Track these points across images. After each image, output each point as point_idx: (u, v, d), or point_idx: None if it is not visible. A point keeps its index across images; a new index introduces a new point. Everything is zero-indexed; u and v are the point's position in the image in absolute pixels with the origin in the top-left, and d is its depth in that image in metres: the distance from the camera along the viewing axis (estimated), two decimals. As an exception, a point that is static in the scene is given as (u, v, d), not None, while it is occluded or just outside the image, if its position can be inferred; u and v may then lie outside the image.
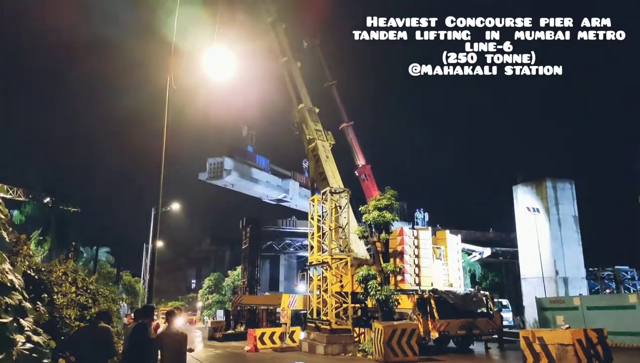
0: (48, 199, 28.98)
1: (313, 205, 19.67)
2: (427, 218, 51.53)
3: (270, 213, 55.91)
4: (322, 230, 19.11)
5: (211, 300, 47.30)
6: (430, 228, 21.02)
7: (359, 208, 18.36)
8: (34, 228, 28.18)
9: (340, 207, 18.99)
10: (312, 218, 19.59)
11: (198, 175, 52.42)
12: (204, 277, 57.88)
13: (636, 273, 40.36)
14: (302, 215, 49.99)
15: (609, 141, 78.67)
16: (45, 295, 7.05)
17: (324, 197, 19.12)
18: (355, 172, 52.14)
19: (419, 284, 18.20)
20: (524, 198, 34.73)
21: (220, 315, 37.62)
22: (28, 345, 4.53)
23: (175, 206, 36.95)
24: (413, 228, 20.50)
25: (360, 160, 56.03)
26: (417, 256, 18.51)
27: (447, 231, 21.25)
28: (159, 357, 6.79)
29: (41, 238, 27.09)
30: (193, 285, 77.36)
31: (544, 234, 32.80)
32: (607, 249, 44.35)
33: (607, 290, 39.87)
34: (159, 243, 22.66)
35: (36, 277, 7.21)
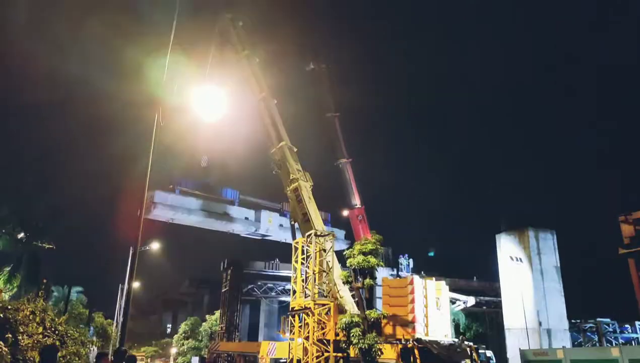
0: (22, 234, 28.08)
1: (297, 248, 19.33)
2: (411, 265, 51.22)
3: (254, 251, 53.62)
4: (306, 274, 18.71)
5: (186, 346, 45.40)
6: (434, 278, 21.00)
7: (344, 252, 18.10)
8: (5, 264, 27.10)
9: (325, 251, 18.71)
10: (296, 262, 19.22)
11: (151, 209, 48.75)
12: (180, 322, 55.81)
13: (618, 326, 40.26)
14: (287, 250, 48.41)
15: (591, 193, 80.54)
16: (10, 335, 6.62)
17: (308, 239, 18.85)
18: (347, 211, 51.86)
19: (426, 334, 18.02)
20: (507, 247, 34.85)
21: (195, 362, 36.02)
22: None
23: (155, 246, 36.10)
24: (398, 275, 20.39)
25: (357, 200, 55.86)
26: (425, 306, 18.55)
27: (443, 282, 21.18)
28: None
29: (11, 274, 26.01)
30: (168, 330, 74.50)
31: (526, 284, 32.74)
32: (589, 301, 44.39)
33: (590, 343, 39.53)
34: (135, 284, 21.90)
35: (1, 315, 6.79)
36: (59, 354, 8.42)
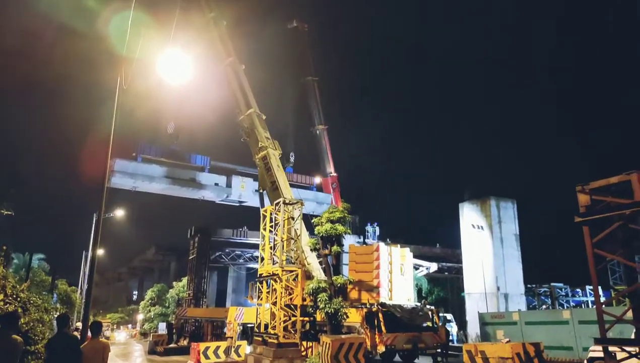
0: (-22, 201, 26.95)
1: (265, 216, 19.38)
2: (377, 232, 52.33)
3: (226, 218, 52.79)
4: (274, 242, 18.85)
5: (153, 312, 45.41)
6: (399, 245, 21.78)
7: (312, 220, 18.28)
8: (-40, 231, 26.10)
9: (293, 219, 18.82)
10: (264, 229, 19.29)
11: (110, 178, 47.37)
12: (146, 289, 55.55)
13: (570, 290, 42.70)
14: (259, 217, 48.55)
15: (550, 163, 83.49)
16: (-32, 303, 6.44)
17: (277, 207, 18.89)
18: (319, 179, 52.06)
19: (390, 298, 18.79)
20: (469, 215, 35.95)
21: (162, 328, 36.14)
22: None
23: (119, 212, 35.43)
24: (365, 242, 21.05)
25: (331, 168, 55.90)
26: (390, 272, 19.31)
27: (408, 248, 21.83)
28: None
29: (-32, 242, 25.04)
30: (135, 297, 74.13)
31: (487, 251, 34.03)
32: (544, 267, 46.77)
33: (544, 306, 41.85)
34: (100, 252, 21.55)
35: (-42, 282, 6.59)
36: (22, 321, 8.28)
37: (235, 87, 23.70)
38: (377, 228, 53.00)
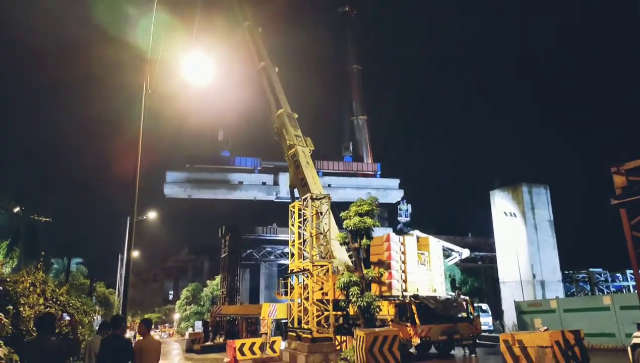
0: (18, 208, 28.00)
1: (294, 212, 19.45)
2: (409, 210, 51.93)
3: (262, 216, 54.24)
4: (303, 237, 18.90)
5: (189, 311, 46.32)
6: (414, 234, 21.15)
7: (340, 214, 18.23)
8: (3, 238, 27.15)
9: (322, 214, 18.82)
10: (293, 225, 19.37)
11: (164, 187, 50.69)
12: (181, 288, 56.71)
13: (609, 276, 41.28)
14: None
15: (582, 146, 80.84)
16: (11, 307, 6.66)
17: (304, 203, 18.93)
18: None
19: (405, 290, 18.20)
20: (501, 203, 35.21)
21: (198, 326, 36.86)
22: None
23: (152, 215, 36.18)
24: (396, 231, 20.61)
25: (370, 159, 56.30)
26: (404, 262, 18.62)
27: (430, 236, 21.32)
28: None
29: (10, 248, 26.11)
30: (170, 297, 75.78)
31: (521, 238, 33.27)
32: (581, 252, 45.32)
33: (583, 293, 40.64)
34: (134, 254, 22.10)
35: (0, 287, 6.83)
36: (63, 322, 8.52)
37: (267, 90, 24.98)
38: (409, 207, 52.58)
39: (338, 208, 18.22)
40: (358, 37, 61.39)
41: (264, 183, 51.74)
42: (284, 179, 50.46)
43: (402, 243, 18.82)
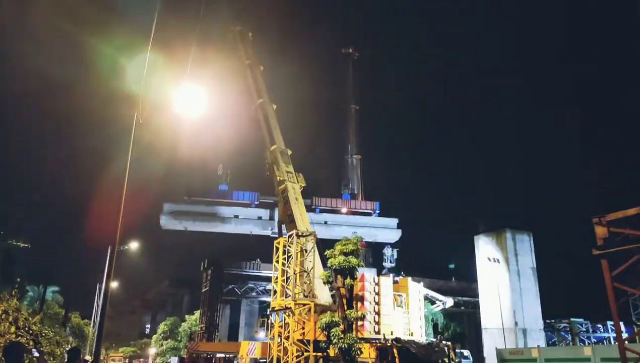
0: (-4, 233, 27.42)
1: (278, 248, 19.33)
2: (395, 256, 51.84)
3: (256, 250, 54.04)
4: (287, 274, 18.71)
5: (166, 346, 44.85)
6: (391, 275, 21.01)
7: (325, 253, 18.15)
8: (-22, 263, 26.44)
9: (306, 251, 18.74)
10: (277, 262, 19.20)
11: (160, 218, 50.96)
12: (159, 322, 55.11)
13: (590, 326, 41.24)
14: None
15: (565, 194, 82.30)
16: (-19, 335, 6.45)
17: (289, 239, 18.86)
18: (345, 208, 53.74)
19: (378, 332, 17.83)
20: (485, 248, 35.39)
21: (174, 362, 35.65)
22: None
23: (134, 245, 35.57)
24: (379, 273, 20.35)
25: (360, 198, 56.56)
26: (377, 303, 18.26)
27: (409, 278, 21.18)
28: None
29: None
30: (147, 330, 73.50)
31: (504, 285, 33.29)
32: (563, 301, 45.40)
33: (564, 342, 40.42)
34: (113, 284, 21.59)
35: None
36: (31, 358, 8.27)
37: (262, 126, 25.76)
38: (395, 251, 52.57)
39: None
40: (359, 78, 63.27)
41: (259, 218, 51.74)
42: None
43: (377, 284, 18.43)
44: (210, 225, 50.58)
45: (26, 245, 29.67)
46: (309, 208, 53.21)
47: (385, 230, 57.23)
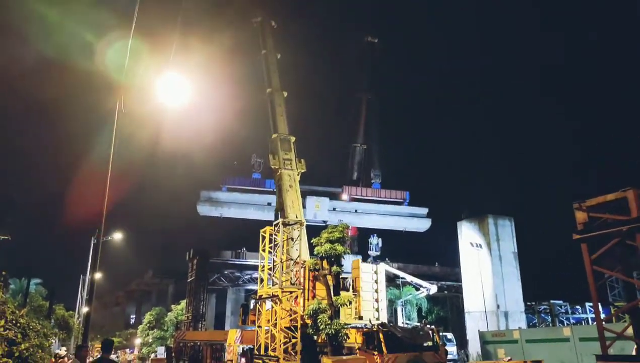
0: (-25, 225, 26.85)
1: (264, 237, 19.40)
2: (380, 244, 52.48)
3: (231, 238, 55.03)
4: (273, 263, 18.83)
5: (152, 336, 44.81)
6: (376, 261, 21.33)
7: (311, 241, 18.30)
8: (-43, 256, 25.90)
9: (293, 239, 18.86)
10: (263, 250, 19.29)
11: (197, 206, 52.60)
12: (144, 312, 54.92)
13: (569, 307, 42.47)
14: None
15: (545, 179, 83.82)
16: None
17: (276, 228, 18.95)
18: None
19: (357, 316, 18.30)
20: (467, 234, 35.99)
21: (161, 352, 35.67)
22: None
23: (117, 236, 35.26)
24: (364, 261, 20.53)
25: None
26: (358, 289, 18.70)
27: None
28: None
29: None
30: (132, 321, 73.17)
31: (486, 269, 33.97)
32: (543, 284, 46.54)
33: (544, 324, 41.56)
34: (98, 275, 21.41)
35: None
36: (22, 347, 8.26)
37: (270, 114, 26.46)
38: (380, 241, 53.25)
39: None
40: (381, 65, 64.36)
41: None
42: (311, 202, 52.00)
43: (357, 269, 18.61)
44: (244, 212, 52.54)
45: (6, 237, 29.15)
46: (332, 197, 54.46)
47: (414, 219, 57.92)
